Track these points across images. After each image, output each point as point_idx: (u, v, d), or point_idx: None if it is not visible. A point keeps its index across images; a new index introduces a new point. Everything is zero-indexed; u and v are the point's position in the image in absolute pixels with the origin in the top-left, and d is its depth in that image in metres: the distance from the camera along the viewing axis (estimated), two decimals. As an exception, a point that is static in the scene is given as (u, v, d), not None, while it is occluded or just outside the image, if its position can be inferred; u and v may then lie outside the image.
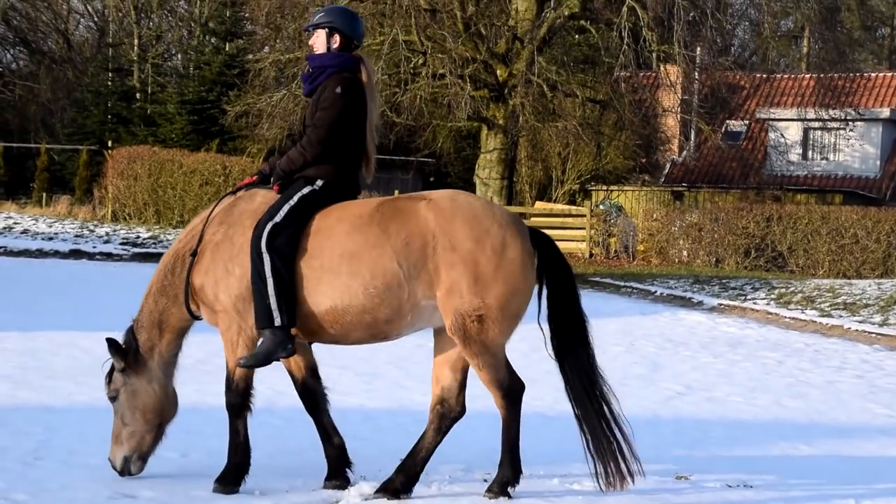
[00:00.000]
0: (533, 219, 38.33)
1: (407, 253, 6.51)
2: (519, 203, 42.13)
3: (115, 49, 52.24)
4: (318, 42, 6.97)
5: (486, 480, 7.19)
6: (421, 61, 35.52)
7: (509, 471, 6.75)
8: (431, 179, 47.62)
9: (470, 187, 42.28)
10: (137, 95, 48.40)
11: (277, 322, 6.60)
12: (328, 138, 6.79)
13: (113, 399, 6.98)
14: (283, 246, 6.61)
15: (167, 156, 37.16)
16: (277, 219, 6.67)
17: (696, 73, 38.19)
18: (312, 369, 7.26)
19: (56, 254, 26.07)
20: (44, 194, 40.86)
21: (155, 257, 26.95)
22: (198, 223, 7.07)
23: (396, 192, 37.31)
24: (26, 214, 36.04)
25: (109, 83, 48.24)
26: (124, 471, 6.90)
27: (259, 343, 6.73)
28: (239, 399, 6.86)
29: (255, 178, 7.11)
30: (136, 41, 50.74)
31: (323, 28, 6.92)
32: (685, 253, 33.39)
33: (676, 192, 43.23)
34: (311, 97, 6.93)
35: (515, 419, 6.81)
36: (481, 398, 10.59)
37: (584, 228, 35.26)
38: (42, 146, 43.74)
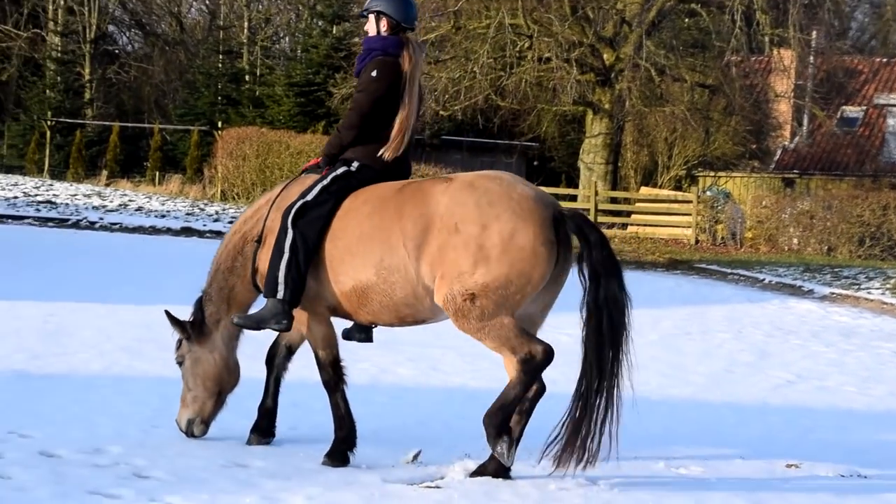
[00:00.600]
0: (638, 204, 38.00)
1: (414, 234, 6.51)
2: (623, 188, 41.82)
3: (226, 32, 53.02)
4: (370, 26, 7.06)
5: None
6: (527, 45, 35.40)
7: (492, 429, 6.59)
8: (535, 163, 47.46)
9: (574, 172, 42.08)
10: (246, 77, 49.07)
11: (280, 295, 6.73)
12: (363, 121, 6.89)
13: (179, 364, 7.30)
14: (308, 225, 6.74)
15: (274, 137, 37.63)
16: (308, 197, 6.80)
17: (812, 58, 37.45)
18: (292, 349, 7.48)
19: (168, 231, 26.67)
20: (157, 173, 41.71)
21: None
22: (263, 205, 7.21)
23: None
24: (140, 192, 36.88)
25: (220, 65, 48.98)
26: (188, 432, 7.19)
27: (260, 308, 6.90)
28: (330, 375, 7.04)
29: (318, 160, 7.16)
30: (245, 24, 51.44)
31: (373, 12, 7.00)
32: (795, 241, 32.82)
33: (787, 178, 42.48)
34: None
35: (521, 385, 6.62)
36: (558, 382, 10.60)
37: (690, 215, 34.85)
38: (155, 126, 44.61)
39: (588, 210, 36.20)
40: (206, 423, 7.25)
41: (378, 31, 7.01)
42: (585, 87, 36.52)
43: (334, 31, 44.04)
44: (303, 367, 9.86)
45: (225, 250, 7.26)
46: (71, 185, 37.60)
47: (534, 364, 6.58)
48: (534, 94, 37.22)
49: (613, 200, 38.03)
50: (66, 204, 31.22)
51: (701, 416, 9.40)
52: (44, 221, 26.89)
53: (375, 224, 6.67)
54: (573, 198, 38.77)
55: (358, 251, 6.70)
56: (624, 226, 36.57)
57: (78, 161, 43.31)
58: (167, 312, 7.28)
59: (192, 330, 7.26)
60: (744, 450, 7.90)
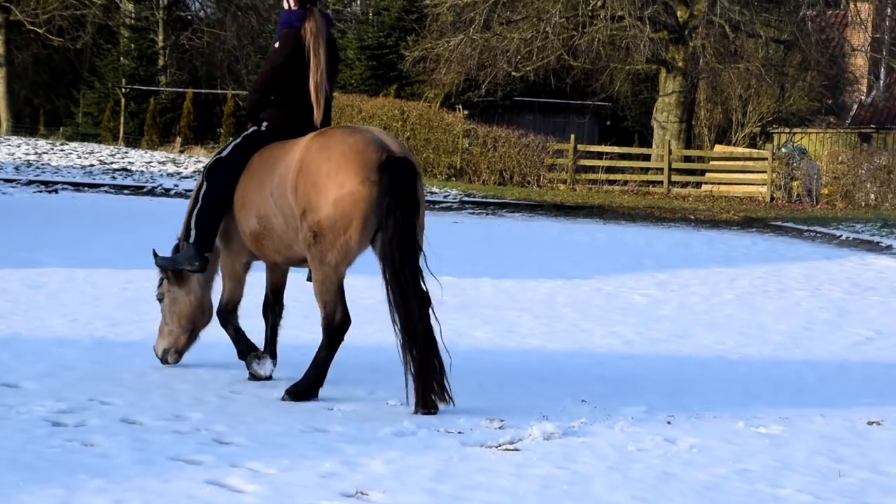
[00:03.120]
0: (712, 162, 37.58)
1: (278, 182, 7.27)
2: (697, 147, 41.36)
3: (297, -4, 53.06)
4: (284, 1, 7.78)
5: (668, 422, 7.13)
6: (599, 3, 35.03)
7: (304, 380, 7.27)
8: (608, 123, 47.07)
9: (647, 131, 41.65)
10: (318, 41, 49.10)
11: (191, 239, 7.64)
12: (264, 87, 7.65)
13: (159, 300, 8.09)
14: (218, 178, 7.62)
15: (347, 101, 37.73)
16: (223, 154, 7.75)
17: (889, 10, 36.62)
18: (276, 290, 8.05)
19: (241, 196, 26.80)
20: (230, 139, 42.02)
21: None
22: None
23: (573, 136, 37.04)
24: (213, 159, 37.15)
25: (291, 30, 49.05)
26: (163, 359, 8.08)
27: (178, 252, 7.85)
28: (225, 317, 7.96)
29: None
30: (316, -12, 51.44)
31: None
32: (872, 196, 32.28)
33: (864, 134, 41.71)
34: None
35: (329, 345, 7.21)
36: (661, 342, 10.54)
37: (765, 172, 34.40)
38: (228, 92, 44.88)
39: (662, 169, 35.87)
40: (180, 354, 8.12)
41: (288, 6, 7.70)
42: (659, 45, 36.08)
43: (405, -7, 43.89)
44: (378, 331, 9.91)
45: (192, 201, 7.88)
46: (145, 153, 38.02)
47: (334, 325, 7.19)
48: (606, 54, 36.86)
49: (687, 159, 37.64)
50: (141, 171, 31.59)
51: (780, 374, 9.27)
52: (119, 189, 27.23)
53: (257, 177, 7.49)
54: (646, 157, 38.42)
55: (247, 201, 7.54)
56: (698, 184, 36.19)
57: (152, 128, 43.78)
58: (154, 252, 8.02)
59: (172, 272, 7.93)
60: (824, 408, 7.79)
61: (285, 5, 7.74)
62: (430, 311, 7.15)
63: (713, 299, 13.75)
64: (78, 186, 26.91)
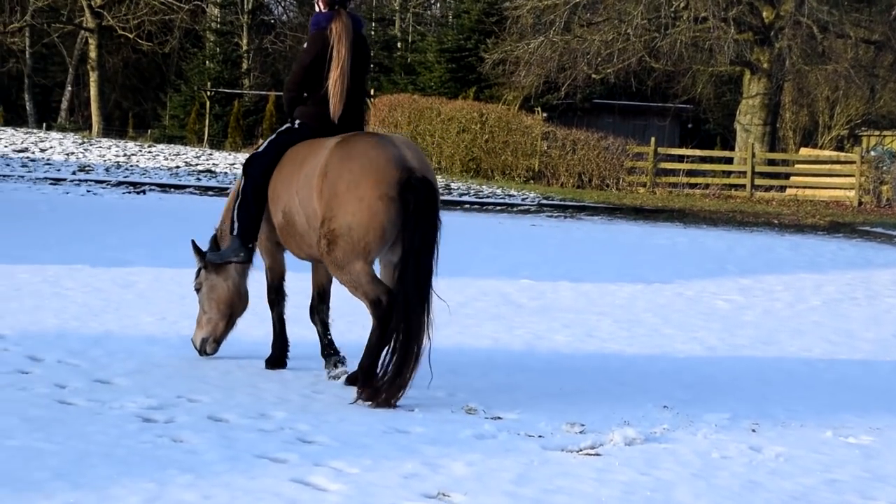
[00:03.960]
0: (797, 165, 37.09)
1: (303, 183, 7.50)
2: (782, 150, 40.87)
3: (378, -1, 53.44)
4: (315, 5, 8.06)
5: (753, 430, 7.08)
6: (682, 4, 34.78)
7: (359, 372, 7.35)
8: (689, 126, 46.69)
9: (730, 134, 41.24)
10: (398, 44, 49.44)
11: (234, 231, 8.00)
12: (295, 86, 8.00)
13: (197, 290, 8.40)
14: (254, 171, 7.94)
15: (426, 103, 37.87)
16: (260, 149, 8.06)
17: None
18: (321, 291, 8.21)
19: (323, 198, 27.01)
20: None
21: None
22: None
23: (653, 139, 36.80)
24: (295, 161, 37.53)
25: (372, 32, 49.46)
26: (202, 350, 8.32)
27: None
28: (272, 296, 8.22)
29: None
30: (398, -9, 51.73)
31: None
32: (966, 202, 31.62)
33: (956, 137, 40.87)
34: None
35: (378, 330, 7.26)
36: (745, 348, 10.45)
37: (853, 176, 33.88)
38: (309, 95, 45.25)
39: (745, 172, 35.50)
40: (218, 343, 8.33)
41: (318, 9, 7.98)
42: (743, 47, 35.72)
43: (486, -4, 43.97)
44: (457, 333, 9.96)
45: (232, 193, 8.22)
46: (229, 154, 38.53)
47: (382, 309, 7.23)
48: (689, 55, 36.57)
49: (771, 162, 37.20)
50: (225, 173, 32.01)
51: (870, 383, 9.14)
52: (204, 190, 27.60)
53: (286, 173, 7.75)
54: (729, 160, 38.05)
55: (275, 196, 7.82)
56: (782, 188, 35.75)
57: (236, 130, 44.36)
58: (192, 242, 8.37)
59: (207, 262, 8.27)
60: (916, 419, 7.66)
61: (316, 8, 8.01)
62: (429, 330, 7.25)
63: (798, 305, 13.59)
64: (165, 187, 27.35)
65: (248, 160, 8.08)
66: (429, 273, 7.24)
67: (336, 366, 7.99)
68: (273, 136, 8.10)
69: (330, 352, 8.10)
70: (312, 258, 7.85)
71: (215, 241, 8.39)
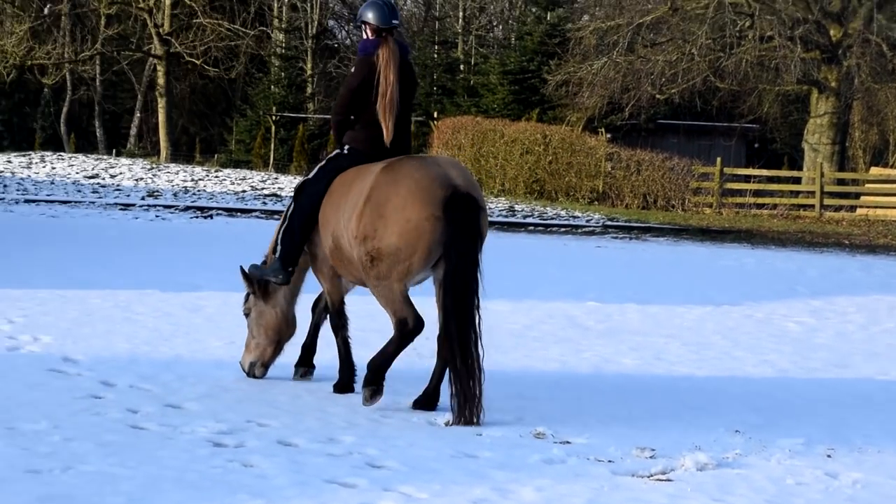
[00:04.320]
0: (867, 185, 36.60)
1: (351, 206, 7.70)
2: (851, 169, 40.37)
3: (441, 22, 53.69)
4: (363, 33, 8.25)
5: (829, 455, 6.96)
6: (748, 23, 34.57)
7: (370, 374, 7.61)
8: (756, 146, 46.31)
9: (797, 153, 40.83)
10: (461, 67, 49.58)
11: (277, 253, 8.23)
12: (343, 110, 8.16)
13: (246, 315, 8.60)
14: (303, 198, 8.15)
15: (489, 125, 37.91)
16: (309, 176, 8.29)
17: None
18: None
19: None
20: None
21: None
22: None
23: (719, 159, 36.53)
24: (360, 184, 37.70)
25: (435, 56, 49.67)
26: (250, 373, 8.52)
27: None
28: (335, 320, 8.37)
29: None
30: (460, 14, 51.97)
31: (360, 23, 8.21)
32: None
33: None
34: None
35: (395, 344, 7.59)
36: (818, 371, 10.28)
37: (924, 195, 33.33)
38: None
39: (813, 192, 35.09)
40: (266, 367, 8.54)
41: (366, 36, 8.18)
42: (810, 65, 35.40)
43: (548, 18, 44.00)
44: (524, 357, 9.93)
45: (281, 220, 8.38)
46: (294, 178, 38.83)
47: (406, 329, 7.54)
48: (755, 75, 36.31)
49: (840, 182, 36.75)
50: (291, 197, 32.24)
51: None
52: (270, 214, 27.81)
53: (335, 198, 7.97)
54: (797, 180, 37.65)
55: (325, 221, 8.04)
56: (852, 208, 35.28)
57: (301, 154, 44.69)
58: (241, 268, 8.55)
59: (259, 287, 8.45)
60: None
61: (363, 35, 8.22)
62: (480, 341, 7.49)
63: (872, 328, 13.37)
64: (231, 212, 27.62)
65: (298, 186, 8.30)
66: (472, 288, 7.44)
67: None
68: (323, 162, 8.30)
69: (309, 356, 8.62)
70: (362, 283, 7.97)
71: (264, 263, 8.58)
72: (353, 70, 8.19)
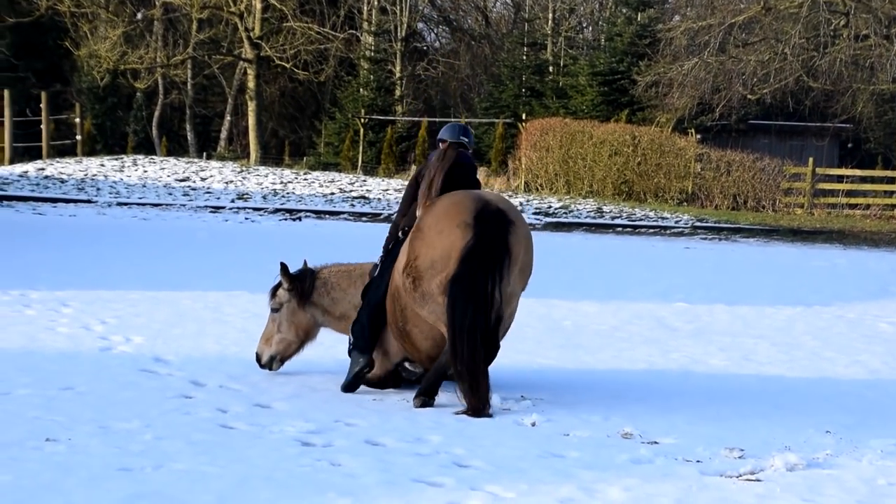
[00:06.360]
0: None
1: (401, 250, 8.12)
2: (950, 168, 39.42)
3: (530, 24, 53.59)
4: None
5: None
6: (842, 22, 33.99)
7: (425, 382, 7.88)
8: (849, 146, 45.48)
9: (892, 153, 40.04)
10: (550, 69, 49.42)
11: (350, 346, 8.40)
12: (402, 209, 8.64)
13: (274, 310, 8.77)
14: (371, 297, 8.41)
15: (578, 127, 37.71)
16: (376, 274, 8.57)
17: None
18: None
19: (475, 223, 27.08)
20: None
21: (566, 227, 27.55)
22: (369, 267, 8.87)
23: (811, 159, 35.99)
24: (447, 186, 37.75)
25: (524, 57, 49.58)
26: (267, 365, 8.71)
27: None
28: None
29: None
30: (550, 15, 51.80)
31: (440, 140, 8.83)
32: None
33: None
34: None
35: (445, 355, 7.67)
36: (880, 371, 10.09)
37: None
38: (462, 120, 45.61)
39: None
40: (282, 363, 8.76)
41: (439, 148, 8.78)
42: (905, 64, 34.66)
43: (639, 19, 43.69)
44: (612, 357, 9.87)
45: (362, 276, 8.70)
46: (382, 181, 39.02)
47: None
48: (849, 74, 35.66)
49: (936, 181, 35.98)
50: (378, 199, 32.45)
51: None
52: (358, 216, 28.02)
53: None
54: (891, 180, 36.93)
55: (389, 295, 8.25)
56: (950, 208, 34.52)
57: (389, 157, 44.90)
58: (282, 264, 8.81)
59: (298, 290, 8.71)
60: None
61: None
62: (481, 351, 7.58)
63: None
64: (320, 214, 27.86)
65: (366, 287, 8.56)
66: (475, 301, 7.52)
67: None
68: (383, 254, 8.59)
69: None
70: (438, 341, 8.01)
71: (314, 278, 8.79)
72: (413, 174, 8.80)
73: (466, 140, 8.79)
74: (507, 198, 8.10)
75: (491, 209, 7.76)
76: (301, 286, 8.78)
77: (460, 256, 7.59)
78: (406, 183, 8.68)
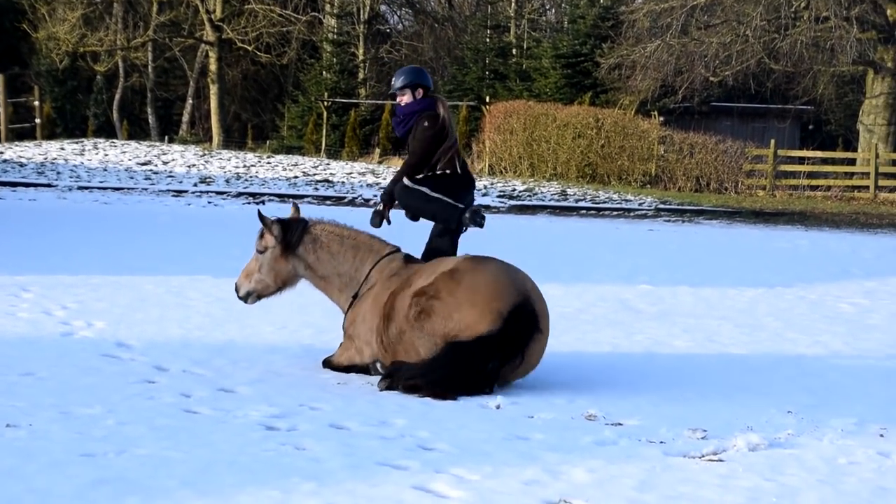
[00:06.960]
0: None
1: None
2: (907, 150, 39.79)
3: (493, 6, 53.57)
4: (406, 98, 9.06)
5: (881, 435, 6.91)
6: (803, 4, 34.18)
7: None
8: (810, 127, 45.83)
9: (852, 135, 40.34)
10: (513, 51, 49.46)
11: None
12: (421, 160, 8.85)
13: (259, 252, 8.69)
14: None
15: (541, 110, 37.78)
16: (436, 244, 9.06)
17: None
18: None
19: (439, 206, 27.10)
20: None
21: (530, 210, 27.60)
22: (368, 262, 8.81)
23: (772, 141, 36.22)
24: (410, 169, 37.72)
25: (487, 40, 49.58)
26: (243, 298, 8.76)
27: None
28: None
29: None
30: (512, -2, 51.78)
31: (409, 86, 9.02)
32: None
33: None
34: (409, 134, 9.00)
35: None
36: (871, 352, 10.19)
37: (981, 175, 32.82)
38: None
39: (868, 174, 34.71)
40: (259, 299, 8.78)
41: (415, 98, 9.02)
42: (866, 46, 34.95)
43: (601, 1, 43.76)
44: (576, 340, 9.89)
45: (362, 262, 8.62)
46: (346, 164, 38.96)
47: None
48: (809, 56, 35.91)
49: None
50: (342, 182, 32.38)
51: None
52: (322, 200, 27.96)
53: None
54: (851, 161, 37.23)
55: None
56: (908, 189, 34.84)
57: (352, 140, 44.82)
58: (259, 212, 8.76)
59: (285, 238, 8.59)
60: None
61: (408, 99, 9.02)
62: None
63: (925, 309, 13.21)
64: (283, 198, 27.78)
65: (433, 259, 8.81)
66: (475, 377, 7.62)
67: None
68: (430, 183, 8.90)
69: None
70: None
71: (305, 229, 8.67)
72: (425, 124, 8.88)
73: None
74: (539, 288, 8.05)
75: (527, 310, 7.71)
76: (289, 237, 8.62)
77: (477, 336, 7.55)
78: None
